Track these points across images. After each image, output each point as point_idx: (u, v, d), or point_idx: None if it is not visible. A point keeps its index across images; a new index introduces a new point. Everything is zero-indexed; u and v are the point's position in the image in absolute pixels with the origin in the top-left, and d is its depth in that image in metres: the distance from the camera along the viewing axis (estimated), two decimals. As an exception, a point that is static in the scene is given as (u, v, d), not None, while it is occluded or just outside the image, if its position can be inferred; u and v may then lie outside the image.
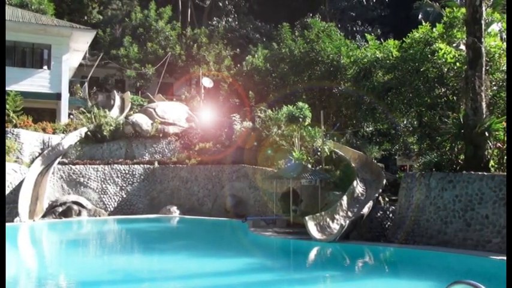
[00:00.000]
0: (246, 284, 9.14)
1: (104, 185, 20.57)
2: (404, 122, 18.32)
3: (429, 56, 16.00)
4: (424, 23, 17.19)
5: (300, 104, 18.43)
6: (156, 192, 21.28)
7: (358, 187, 15.79)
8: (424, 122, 16.47)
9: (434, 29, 16.69)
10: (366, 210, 13.92)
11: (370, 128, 21.47)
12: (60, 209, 18.80)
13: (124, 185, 20.91)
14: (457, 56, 15.34)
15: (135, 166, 21.38)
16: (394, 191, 15.71)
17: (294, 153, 17.73)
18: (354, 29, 41.90)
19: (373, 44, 19.57)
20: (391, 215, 14.27)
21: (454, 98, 15.75)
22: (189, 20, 45.05)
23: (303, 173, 15.60)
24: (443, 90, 16.11)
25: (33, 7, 31.45)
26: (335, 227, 13.75)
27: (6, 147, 19.28)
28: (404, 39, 17.30)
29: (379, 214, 14.45)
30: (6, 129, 20.11)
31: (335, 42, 23.27)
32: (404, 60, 16.69)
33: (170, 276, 9.77)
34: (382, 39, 20.02)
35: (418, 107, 16.44)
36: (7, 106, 21.01)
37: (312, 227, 13.37)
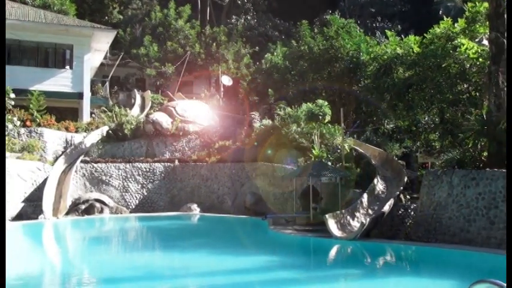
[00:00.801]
0: (266, 282, 9.16)
1: (125, 183, 20.83)
2: (426, 119, 18.06)
3: (451, 51, 15.74)
4: (445, 18, 16.93)
5: (320, 101, 18.35)
6: (176, 190, 21.45)
7: (379, 185, 15.67)
8: (446, 118, 16.22)
9: (456, 24, 16.41)
10: (386, 208, 13.81)
11: (391, 125, 21.24)
12: (83, 207, 19.10)
13: (145, 182, 21.14)
14: (479, 51, 15.06)
15: (156, 164, 21.59)
16: (415, 189, 15.56)
17: (313, 151, 17.69)
18: (374, 25, 41.48)
19: (393, 40, 19.35)
20: (412, 212, 14.12)
21: (477, 94, 15.48)
22: (208, 18, 45.23)
23: (323, 170, 15.55)
24: (465, 86, 15.84)
25: (55, 8, 31.99)
26: (355, 224, 13.68)
27: (30, 146, 19.68)
28: (425, 34, 17.05)
29: (400, 212, 14.32)
30: (31, 128, 20.52)
31: (354, 38, 23.09)
32: (426, 56, 16.45)
33: (191, 274, 9.85)
34: (402, 35, 19.76)
35: (439, 103, 16.19)
36: (31, 106, 21.42)
37: (332, 224, 13.33)
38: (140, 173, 21.20)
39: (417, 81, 16.69)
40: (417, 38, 17.90)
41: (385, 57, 18.85)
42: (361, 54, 21.94)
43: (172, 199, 21.25)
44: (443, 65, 15.92)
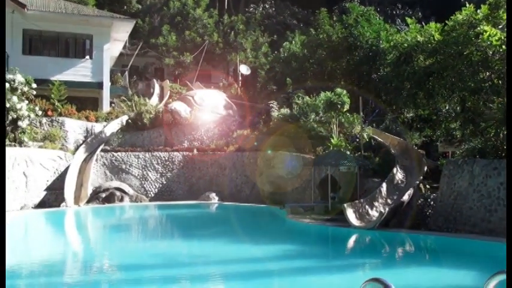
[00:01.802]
0: (284, 271, 9.20)
1: (144, 172, 21.06)
2: (447, 108, 17.79)
3: (473, 38, 15.41)
4: (467, 5, 16.57)
5: (339, 90, 18.23)
6: (195, 179, 21.61)
7: (398, 174, 15.55)
8: (468, 107, 15.94)
9: (478, 11, 16.06)
10: (406, 197, 13.71)
11: (411, 114, 20.97)
12: (103, 195, 19.40)
13: (164, 171, 21.34)
14: (503, 38, 14.73)
15: (175, 153, 21.76)
16: (435, 178, 15.36)
17: (332, 140, 17.61)
18: (394, 12, 40.81)
19: (413, 27, 19.04)
20: (432, 202, 13.99)
21: (500, 82, 15.16)
22: (226, 7, 45.07)
23: (341, 159, 15.48)
24: (487, 74, 15.52)
25: (75, -2, 32.22)
26: (374, 214, 13.62)
27: (52, 135, 20.00)
28: (446, 22, 16.73)
29: (419, 201, 14.20)
30: (52, 117, 20.83)
31: (374, 26, 22.79)
32: (447, 43, 16.15)
33: (209, 262, 9.94)
34: (423, 23, 19.45)
35: (461, 91, 15.92)
36: (52, 95, 21.72)
37: (350, 214, 13.30)
38: (159, 161, 21.41)
39: (438, 69, 16.42)
40: (438, 25, 17.57)
41: (405, 45, 18.57)
42: (381, 42, 21.66)
43: (190, 188, 21.42)
44: (465, 53, 15.61)
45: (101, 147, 21.10)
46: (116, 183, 20.19)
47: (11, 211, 16.80)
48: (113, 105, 25.88)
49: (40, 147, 19.28)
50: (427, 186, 15.49)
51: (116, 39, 28.11)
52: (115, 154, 21.00)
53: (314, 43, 26.16)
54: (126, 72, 30.62)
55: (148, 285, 7.99)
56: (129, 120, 22.85)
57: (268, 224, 15.99)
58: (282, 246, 11.66)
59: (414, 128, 20.19)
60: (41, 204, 18.19)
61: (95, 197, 19.37)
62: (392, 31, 22.09)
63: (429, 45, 17.17)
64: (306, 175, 18.04)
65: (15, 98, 18.96)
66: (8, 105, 18.68)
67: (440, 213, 12.71)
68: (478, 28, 15.45)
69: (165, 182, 21.27)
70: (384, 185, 14.72)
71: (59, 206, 18.00)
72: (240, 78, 32.59)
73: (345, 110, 18.02)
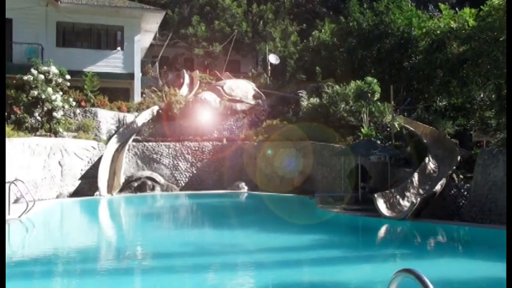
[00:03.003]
0: (314, 260, 9.21)
1: (175, 161, 21.34)
2: (481, 96, 17.36)
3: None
4: (504, -11, 16.03)
5: (369, 78, 17.98)
6: (224, 169, 21.76)
7: (430, 164, 15.28)
8: (503, 95, 15.50)
9: (515, -5, 15.52)
10: (438, 187, 13.48)
11: (444, 103, 20.55)
12: (135, 184, 19.78)
13: (194, 161, 21.58)
14: (541, 23, 14.20)
15: (204, 143, 21.96)
16: (469, 168, 15.02)
17: (362, 129, 17.43)
18: (427, -2, 39.81)
19: (447, 13, 18.60)
20: (465, 192, 13.70)
21: (538, 68, 14.66)
22: (254, -4, 44.86)
23: (371, 149, 15.32)
24: (525, 60, 15.03)
25: (106, -10, 32.63)
26: (405, 204, 13.45)
27: (85, 126, 20.47)
28: (481, 7, 16.25)
29: (452, 192, 13.92)
30: (85, 108, 21.29)
31: (406, 13, 22.32)
32: (482, 29, 15.69)
33: (239, 251, 10.03)
34: (457, 9, 18.93)
35: (496, 79, 15.47)
36: (85, 86, 22.18)
37: (381, 204, 13.17)
38: (189, 151, 21.65)
39: (472, 56, 16.00)
40: (473, 10, 17.09)
41: (438, 31, 18.18)
42: (413, 29, 21.22)
43: (220, 177, 21.60)
44: (501, 39, 15.15)
45: (133, 137, 21.47)
46: (147, 173, 20.55)
47: (48, 199, 17.35)
48: (143, 95, 26.23)
49: (74, 137, 19.77)
50: (461, 176, 15.17)
51: (146, 30, 28.39)
52: (146, 144, 21.34)
53: (344, 31, 25.82)
54: (157, 63, 30.96)
55: (180, 273, 8.14)
56: (160, 111, 23.14)
57: (297, 214, 16.00)
58: (312, 235, 11.65)
59: (447, 116, 19.78)
60: (76, 193, 18.69)
61: (127, 186, 19.77)
62: (424, 17, 21.59)
63: (463, 32, 16.74)
64: (336, 165, 17.93)
65: (50, 90, 19.47)
66: (43, 96, 19.21)
67: (474, 203, 12.45)
68: (515, 13, 14.95)
69: (195, 172, 21.51)
70: (416, 174, 14.50)
71: (92, 194, 18.47)
72: (269, 67, 32.50)
73: (375, 99, 17.78)
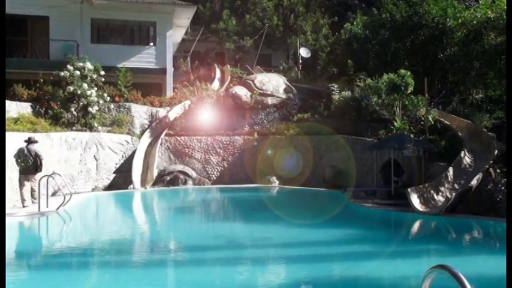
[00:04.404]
0: (345, 255, 9.17)
1: (206, 156, 21.54)
2: (520, 88, 16.79)
3: (551, 13, 14.39)
4: (545, -23, 15.42)
5: (402, 71, 17.68)
6: (255, 162, 21.82)
7: (466, 158, 14.93)
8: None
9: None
10: (474, 182, 13.17)
11: (480, 95, 20.01)
12: (168, 178, 20.07)
13: (225, 155, 21.72)
14: None
15: (236, 137, 22.07)
16: (507, 163, 14.60)
17: (395, 123, 17.18)
18: (463, -13, 38.73)
19: (484, 3, 18.04)
20: (503, 188, 13.34)
21: None
22: (285, -11, 44.61)
23: (405, 143, 15.08)
24: None
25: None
26: (440, 199, 13.21)
27: (119, 120, 20.86)
28: (521, -4, 15.70)
29: (489, 187, 13.57)
30: (119, 103, 21.69)
31: (440, 3, 21.77)
32: (521, 19, 15.18)
33: (270, 244, 10.07)
34: (494, -2, 18.35)
35: (536, 70, 14.96)
36: (119, 82, 22.59)
37: (414, 199, 12.97)
38: (221, 145, 21.80)
39: (511, 47, 15.49)
40: (512, -1, 16.54)
41: (475, 22, 17.68)
42: (448, 19, 20.69)
43: (251, 171, 21.67)
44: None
45: (165, 131, 21.76)
46: (179, 167, 20.82)
47: (84, 193, 17.84)
48: (175, 90, 26.52)
49: (108, 131, 20.20)
50: (498, 170, 14.76)
51: (178, 25, 28.66)
52: (178, 138, 21.61)
53: (376, 23, 25.37)
54: (188, 58, 31.25)
55: (212, 266, 8.24)
56: (192, 105, 23.36)
57: (329, 208, 15.92)
58: (345, 230, 11.59)
59: (484, 109, 19.26)
60: (110, 186, 19.13)
61: (160, 179, 20.09)
62: (460, 8, 21.01)
63: (501, 22, 16.23)
64: (368, 159, 17.73)
65: (85, 85, 19.95)
66: (79, 91, 19.69)
67: (512, 199, 12.10)
68: (557, 1, 14.40)
69: (226, 166, 21.65)
70: (451, 169, 14.20)
71: (126, 188, 18.87)
72: (300, 61, 32.30)
73: (408, 92, 17.47)
